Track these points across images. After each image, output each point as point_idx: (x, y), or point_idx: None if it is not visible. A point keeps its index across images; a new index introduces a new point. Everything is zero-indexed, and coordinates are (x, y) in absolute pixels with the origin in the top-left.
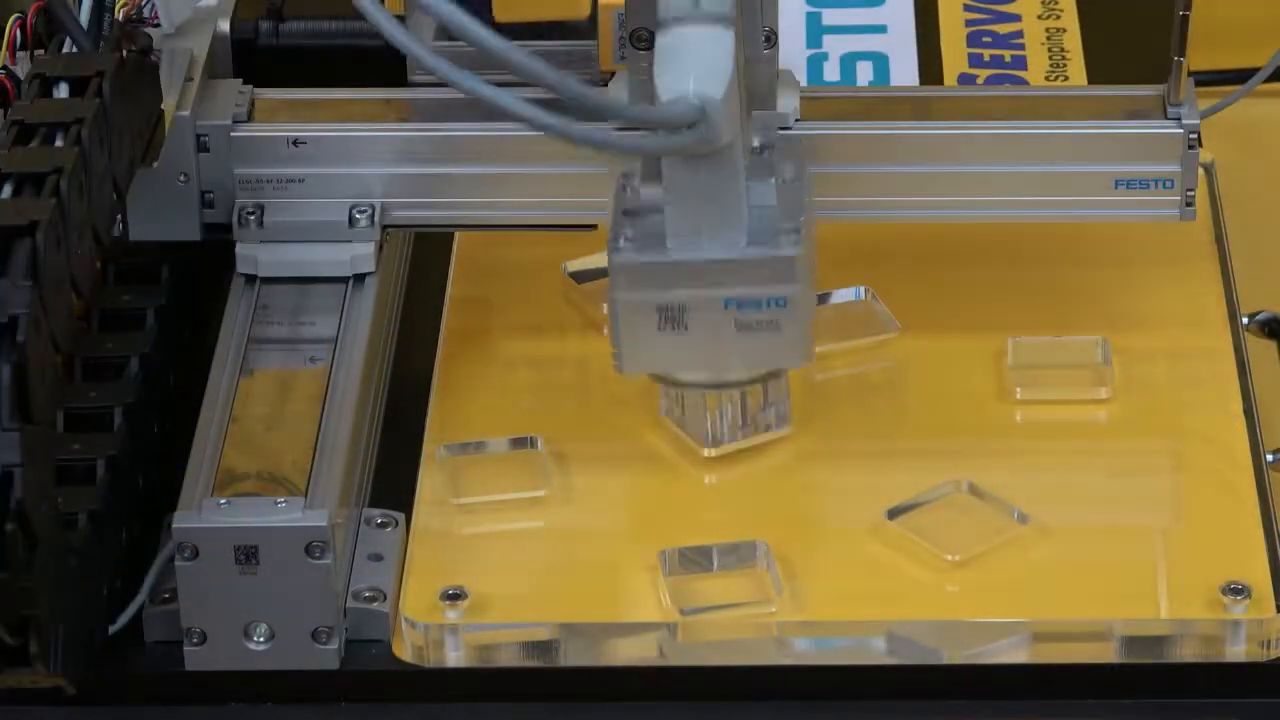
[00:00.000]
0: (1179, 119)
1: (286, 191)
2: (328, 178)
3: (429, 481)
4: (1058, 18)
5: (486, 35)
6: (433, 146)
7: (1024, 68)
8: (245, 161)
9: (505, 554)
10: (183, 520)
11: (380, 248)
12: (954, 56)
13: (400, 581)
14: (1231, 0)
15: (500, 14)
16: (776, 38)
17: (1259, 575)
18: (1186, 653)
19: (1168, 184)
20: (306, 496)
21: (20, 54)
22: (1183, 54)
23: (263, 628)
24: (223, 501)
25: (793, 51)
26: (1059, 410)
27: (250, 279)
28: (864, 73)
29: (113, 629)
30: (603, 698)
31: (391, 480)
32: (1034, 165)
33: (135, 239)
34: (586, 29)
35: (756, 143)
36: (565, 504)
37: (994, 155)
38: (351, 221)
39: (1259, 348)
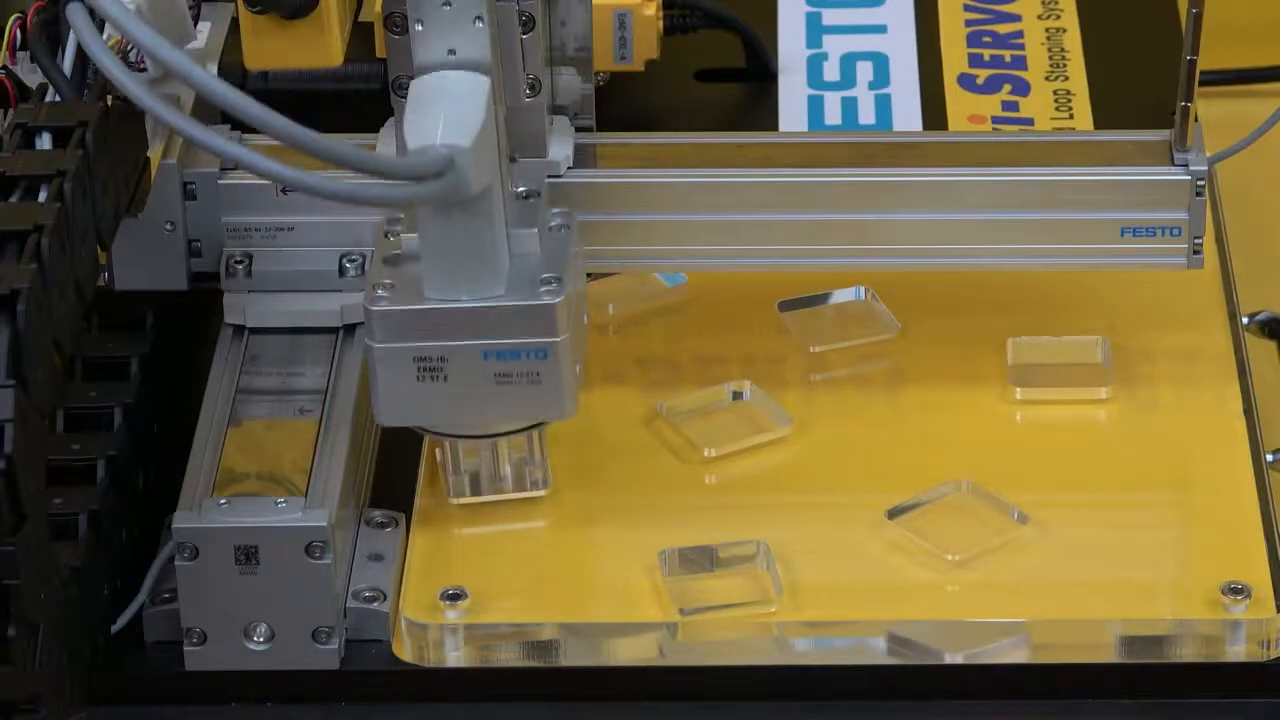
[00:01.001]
0: (1186, 165)
1: (275, 240)
2: (317, 226)
3: (429, 481)
4: (1058, 18)
5: (231, 92)
6: None
7: (1024, 67)
8: (233, 209)
9: (505, 554)
10: (183, 520)
11: None
12: (954, 56)
13: (400, 581)
14: (1232, 0)
15: (251, 63)
16: (541, 85)
17: (1259, 575)
18: (1186, 653)
19: (1175, 231)
20: (306, 496)
21: (20, 54)
22: (1190, 99)
23: (263, 628)
24: (223, 501)
25: (793, 52)
26: (1059, 410)
27: (239, 329)
28: (864, 72)
29: (113, 629)
30: (603, 698)
31: (391, 480)
32: (1039, 213)
33: (121, 288)
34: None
35: (521, 191)
36: (565, 504)
37: (999, 202)
38: (342, 271)
39: (1259, 348)
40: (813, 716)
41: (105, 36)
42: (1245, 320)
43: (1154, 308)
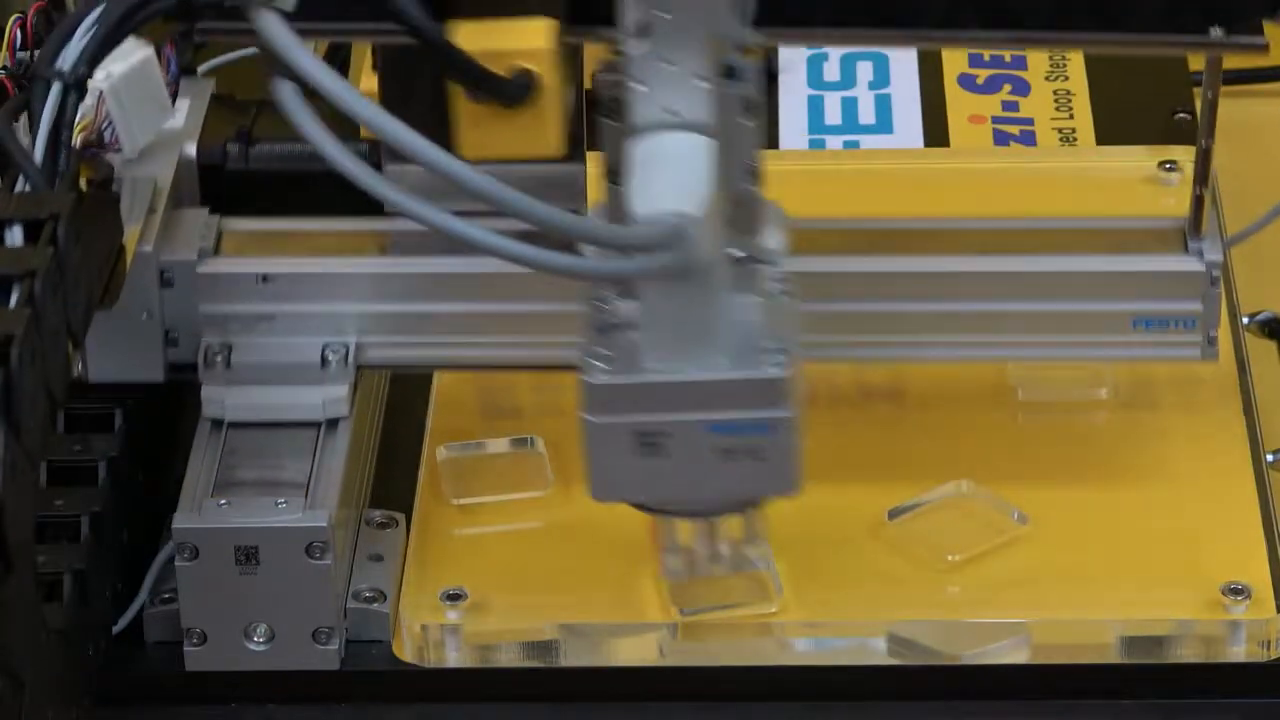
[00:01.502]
0: (1200, 254)
1: (255, 330)
2: (299, 316)
3: (429, 482)
4: None
5: (453, 163)
6: (410, 282)
7: (1024, 67)
8: (211, 299)
9: (505, 554)
10: (183, 520)
11: (355, 389)
12: (954, 56)
13: (400, 581)
14: None
15: (468, 152)
16: (760, 173)
17: (1259, 575)
18: (1186, 653)
19: (1189, 323)
20: (306, 496)
21: (20, 54)
22: (1204, 184)
23: (263, 628)
24: (223, 501)
25: (793, 52)
26: (1059, 410)
27: (217, 423)
28: (864, 72)
29: (113, 630)
30: (603, 698)
31: (391, 480)
32: (1048, 303)
33: (95, 380)
34: (573, 154)
35: (739, 254)
36: (565, 504)
37: (1005, 292)
38: (324, 362)
39: (1259, 348)
40: (813, 716)
41: (79, 116)
42: (1245, 320)
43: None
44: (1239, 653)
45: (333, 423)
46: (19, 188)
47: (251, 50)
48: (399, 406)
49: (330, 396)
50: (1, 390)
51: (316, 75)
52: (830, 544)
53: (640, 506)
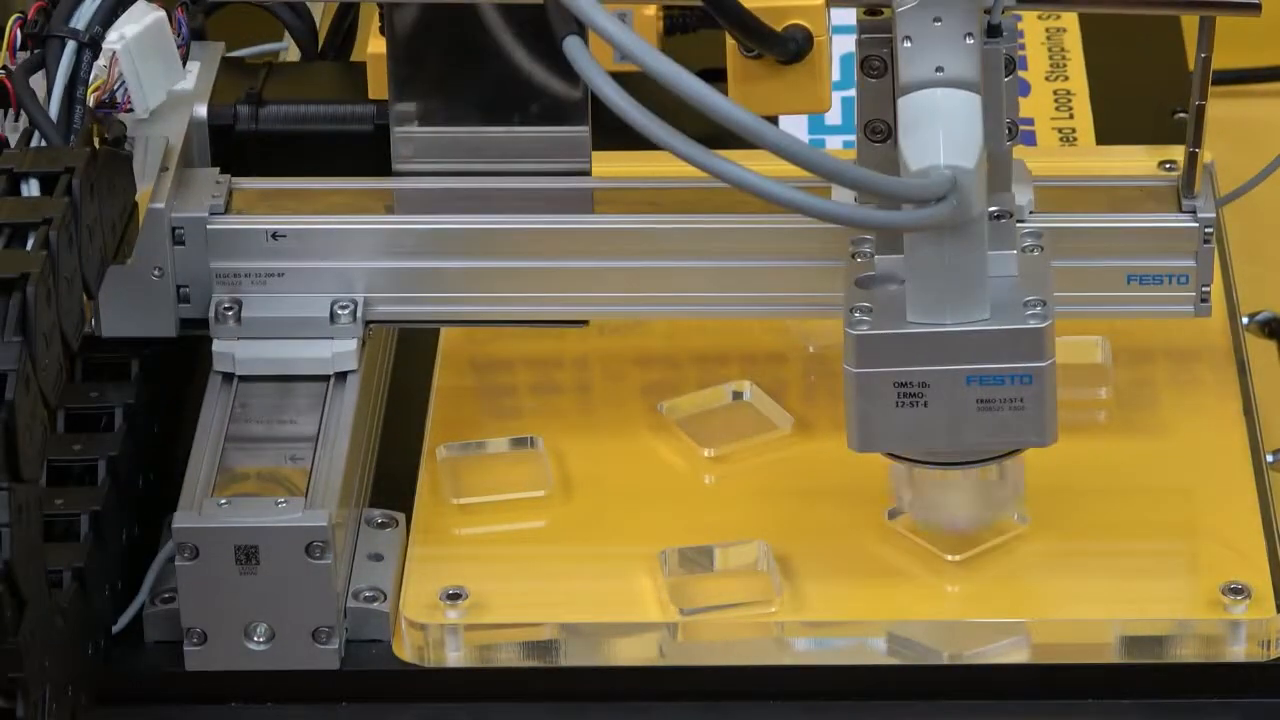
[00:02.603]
0: (1194, 211)
1: (265, 286)
2: (308, 272)
3: (429, 481)
4: (1058, 17)
5: (738, 111)
6: (418, 239)
7: (1024, 67)
8: (222, 255)
9: (505, 554)
10: (183, 520)
11: (363, 344)
12: None
13: (400, 581)
14: None
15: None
16: (1017, 129)
17: (1259, 575)
18: (1186, 653)
19: (1182, 279)
20: (306, 496)
21: (20, 54)
22: (1199, 145)
23: (263, 628)
24: (223, 501)
25: None
26: (1059, 410)
27: (228, 377)
28: None
29: (113, 629)
30: (603, 698)
31: (391, 480)
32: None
33: (108, 335)
34: (577, 116)
35: (993, 211)
36: (565, 504)
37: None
38: (333, 317)
39: (1259, 348)
40: (813, 716)
41: (92, 77)
42: (1245, 320)
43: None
44: (1239, 653)
45: (341, 376)
46: (35, 143)
47: (276, 46)
48: (400, 405)
49: (339, 351)
50: (18, 323)
51: (615, 33)
52: (830, 544)
53: (896, 457)
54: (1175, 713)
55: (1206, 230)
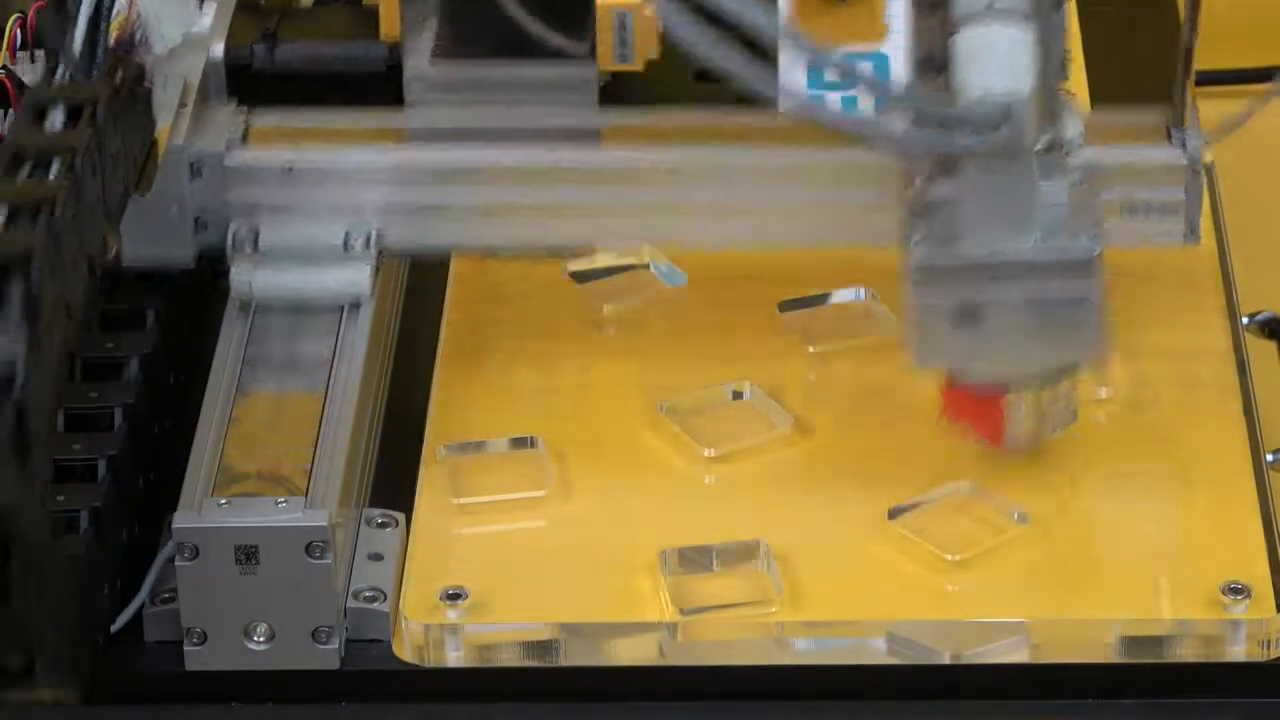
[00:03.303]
0: (1183, 144)
1: (281, 217)
2: (322, 203)
3: (429, 481)
4: None
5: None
6: (429, 171)
7: None
8: (239, 187)
9: (505, 554)
10: (183, 520)
11: (376, 273)
12: None
13: (400, 581)
14: (1232, 0)
15: None
16: (1068, 62)
17: (1259, 575)
18: (1186, 653)
19: (1173, 211)
20: (306, 496)
21: (20, 54)
22: (1188, 78)
23: (263, 628)
24: (223, 501)
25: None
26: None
27: (244, 305)
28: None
29: (113, 629)
30: (603, 698)
31: (391, 480)
32: None
33: (129, 264)
34: (584, 53)
35: (1043, 144)
36: (565, 504)
37: None
38: (346, 247)
39: (1259, 348)
40: (813, 716)
41: (117, 11)
42: (1245, 320)
43: (1154, 308)
44: (1239, 652)
45: (355, 305)
46: (59, 77)
47: None
48: (400, 404)
49: (352, 279)
50: (48, 243)
51: None
52: (830, 544)
53: (955, 376)
54: (1175, 713)
55: (1196, 164)
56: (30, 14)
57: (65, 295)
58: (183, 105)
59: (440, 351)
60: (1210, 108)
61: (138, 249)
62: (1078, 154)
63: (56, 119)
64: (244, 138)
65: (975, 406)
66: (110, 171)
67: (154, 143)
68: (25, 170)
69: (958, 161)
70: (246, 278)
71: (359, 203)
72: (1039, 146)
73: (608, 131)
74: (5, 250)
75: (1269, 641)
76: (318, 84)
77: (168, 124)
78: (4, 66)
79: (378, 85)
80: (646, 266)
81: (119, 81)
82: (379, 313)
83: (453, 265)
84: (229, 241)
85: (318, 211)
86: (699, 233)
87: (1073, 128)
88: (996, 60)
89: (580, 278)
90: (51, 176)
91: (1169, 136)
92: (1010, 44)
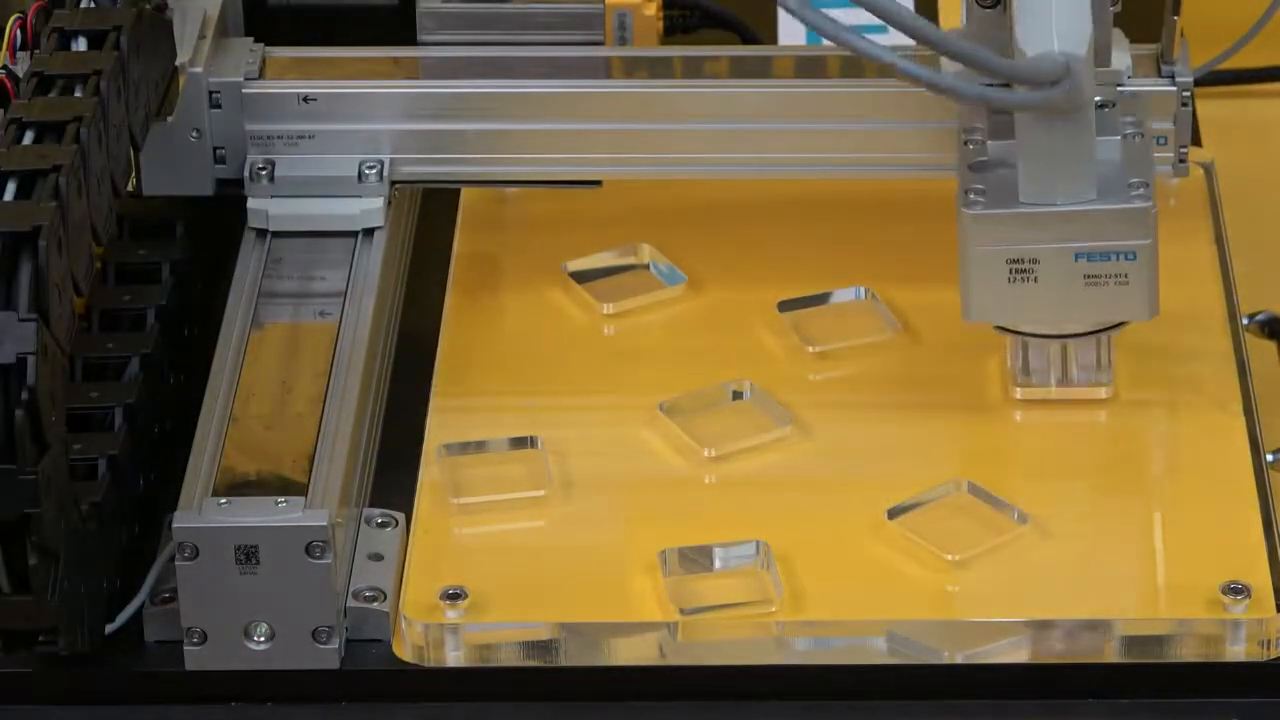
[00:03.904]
0: (1172, 77)
1: (297, 147)
2: (337, 134)
3: (429, 481)
4: None
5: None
6: (440, 103)
7: None
8: (256, 118)
9: (505, 554)
10: (183, 520)
11: (389, 202)
12: None
13: (400, 581)
14: (1232, 0)
15: None
16: (1117, 16)
17: (1259, 575)
18: (1186, 653)
19: (1161, 141)
20: (306, 496)
21: (20, 54)
22: (1177, 13)
23: (263, 627)
24: (223, 501)
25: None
26: (1059, 410)
27: (261, 233)
28: None
29: (112, 628)
30: (603, 698)
31: (391, 480)
32: None
33: (149, 193)
34: None
35: (1098, 100)
36: (565, 504)
37: None
38: (361, 176)
39: (1259, 348)
40: (813, 716)
41: None
42: (1245, 320)
43: None
44: (1239, 652)
45: (368, 233)
46: (84, 3)
47: None
48: (401, 404)
49: (367, 208)
50: (77, 160)
51: None
52: (830, 544)
53: (1005, 330)
54: (1175, 713)
55: (1184, 94)
56: (30, 14)
57: (91, 215)
58: (202, 37)
59: (439, 353)
60: (1210, 108)
61: (158, 179)
62: (1127, 86)
63: (81, 43)
64: (261, 69)
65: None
66: (134, 96)
67: (174, 70)
68: (53, 93)
69: (1014, 116)
70: (263, 207)
71: (373, 133)
72: (1098, 101)
73: (615, 63)
74: (36, 161)
75: (1269, 641)
76: (332, 20)
77: (188, 55)
78: (4, 66)
79: (391, 21)
80: (646, 266)
81: (142, 9)
82: (391, 241)
83: (453, 265)
84: (246, 172)
85: (332, 142)
86: (707, 164)
87: (1121, 60)
88: (1056, 14)
89: (580, 277)
90: (78, 97)
91: (1158, 71)
92: (1068, 1)
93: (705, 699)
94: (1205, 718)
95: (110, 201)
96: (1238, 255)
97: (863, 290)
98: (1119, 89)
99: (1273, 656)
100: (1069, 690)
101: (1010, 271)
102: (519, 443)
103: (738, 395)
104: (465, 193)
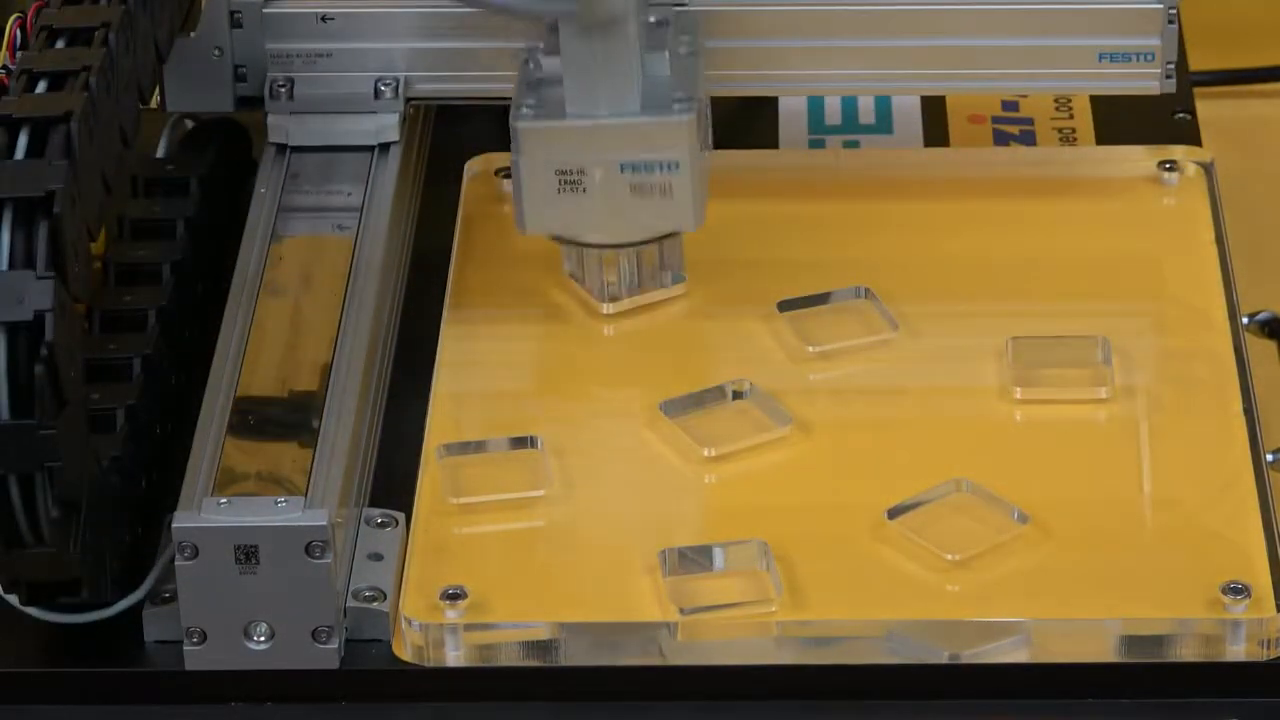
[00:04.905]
0: None
1: (315, 66)
2: (354, 52)
3: (429, 481)
4: None
5: None
6: (454, 22)
7: None
8: (276, 37)
9: (505, 554)
10: (183, 520)
11: (404, 119)
12: None
13: (400, 581)
14: (1231, 0)
15: None
16: None
17: (1259, 575)
18: (1186, 653)
19: (1148, 57)
20: (306, 496)
21: (20, 54)
22: None
23: (263, 627)
24: (223, 501)
25: None
26: (1059, 410)
27: (281, 148)
28: None
29: (110, 623)
30: (603, 698)
31: (391, 480)
32: (1020, 39)
33: (172, 109)
34: None
35: (653, 19)
36: (565, 504)
37: (986, 29)
38: (377, 94)
39: (1259, 348)
40: (813, 716)
41: None
42: (1245, 320)
43: (1154, 308)
44: (1239, 652)
45: (384, 147)
46: None
47: None
48: (401, 403)
49: (382, 124)
50: (106, 60)
51: None
52: (830, 544)
53: (564, 240)
54: (1175, 713)
55: (1170, 11)
56: (30, 14)
57: (119, 118)
58: None
59: (439, 354)
60: (1210, 108)
61: (181, 97)
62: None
63: None
64: None
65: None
66: (159, 9)
67: None
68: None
69: (560, 30)
70: (283, 125)
71: (389, 52)
72: (652, 20)
73: None
74: (66, 63)
75: (1269, 641)
76: None
77: None
78: (4, 66)
79: None
80: None
81: None
82: (405, 156)
83: (453, 265)
84: (266, 91)
85: (350, 60)
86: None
87: None
88: None
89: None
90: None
91: None
92: None
93: (705, 699)
94: (1205, 718)
95: (135, 106)
96: (1238, 255)
97: (863, 290)
98: (681, 7)
99: (1273, 656)
100: (1069, 690)
101: (560, 183)
102: (519, 443)
103: (738, 395)
104: (466, 192)
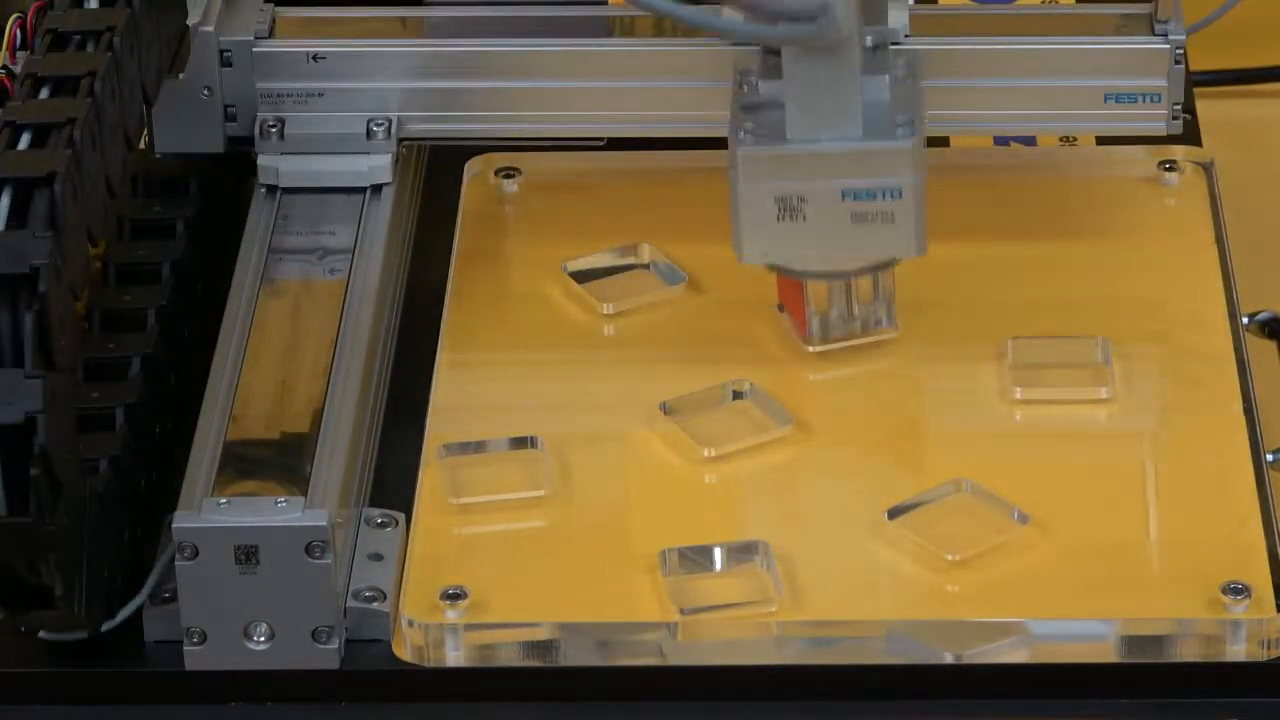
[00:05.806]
0: (1166, 35)
1: (306, 105)
2: (346, 92)
3: (429, 481)
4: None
5: None
6: (448, 61)
7: None
8: (267, 76)
9: (505, 554)
10: (183, 520)
11: (397, 160)
12: None
13: (400, 581)
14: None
15: None
16: None
17: (1259, 575)
18: (1186, 653)
19: (1155, 98)
20: (306, 496)
21: (20, 54)
22: None
23: (263, 627)
24: (223, 501)
25: None
26: (1059, 410)
27: (271, 189)
28: None
29: (111, 626)
30: (603, 698)
31: (391, 480)
32: (1027, 80)
33: (162, 151)
34: None
35: (870, 43)
36: (565, 504)
37: (989, 70)
38: (369, 134)
39: (1259, 348)
40: (813, 716)
41: None
42: (1245, 320)
43: (1154, 308)
44: (1239, 652)
45: (376, 189)
46: None
47: None
48: (401, 402)
49: (375, 165)
50: (91, 112)
51: None
52: (830, 544)
53: (781, 270)
54: (1175, 713)
55: (1177, 51)
56: (30, 14)
57: (106, 168)
58: None
59: (439, 352)
60: (1210, 108)
61: (170, 137)
62: (902, 45)
63: (93, 2)
64: (271, 28)
65: (792, 294)
66: (146, 52)
67: (186, 29)
68: (68, 49)
69: (782, 55)
70: (273, 164)
71: (381, 91)
72: (868, 44)
73: (621, 22)
74: (51, 115)
75: (1269, 641)
76: None
77: (199, 13)
78: (4, 66)
79: None
80: (646, 266)
81: None
82: (399, 197)
83: (453, 264)
84: (256, 130)
85: (341, 100)
86: (712, 121)
87: (898, 18)
88: None
89: (580, 277)
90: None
91: (1152, 29)
92: None
93: (705, 699)
94: (1205, 718)
95: (124, 155)
96: (1238, 255)
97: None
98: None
99: (1273, 656)
100: (1069, 690)
101: (779, 210)
102: (519, 443)
103: (738, 395)
104: (466, 192)
